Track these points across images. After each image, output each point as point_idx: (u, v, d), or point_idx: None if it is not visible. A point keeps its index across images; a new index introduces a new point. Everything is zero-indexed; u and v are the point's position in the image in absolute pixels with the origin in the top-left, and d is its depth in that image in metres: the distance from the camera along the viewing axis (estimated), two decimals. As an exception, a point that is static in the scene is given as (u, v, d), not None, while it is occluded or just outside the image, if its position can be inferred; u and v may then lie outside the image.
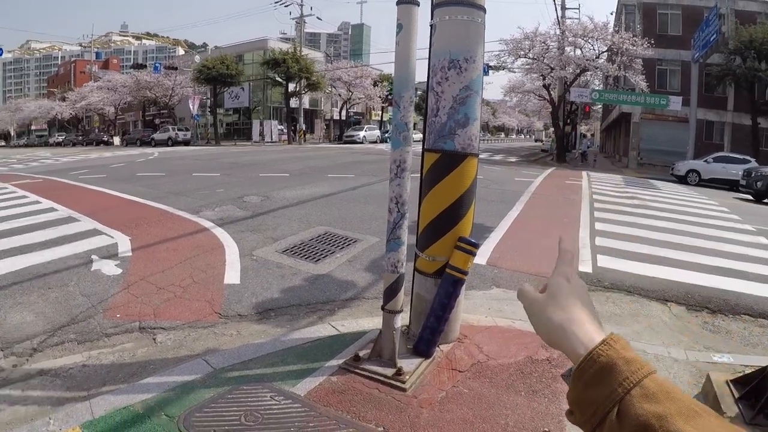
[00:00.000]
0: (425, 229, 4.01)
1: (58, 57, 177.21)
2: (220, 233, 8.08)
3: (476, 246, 3.87)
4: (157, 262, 6.71)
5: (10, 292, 5.89)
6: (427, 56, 4.05)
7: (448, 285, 3.83)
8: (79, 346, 4.62)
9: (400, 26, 3.61)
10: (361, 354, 3.84)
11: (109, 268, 6.54)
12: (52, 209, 10.66)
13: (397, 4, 3.60)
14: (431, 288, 4.01)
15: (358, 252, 7.14)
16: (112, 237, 7.97)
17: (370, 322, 4.67)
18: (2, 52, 30.31)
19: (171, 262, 6.72)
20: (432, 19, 3.95)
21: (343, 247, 7.31)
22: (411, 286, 4.28)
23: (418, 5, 3.65)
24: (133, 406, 3.34)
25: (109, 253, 7.17)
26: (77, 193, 13.58)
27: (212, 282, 5.98)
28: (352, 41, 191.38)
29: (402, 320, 3.92)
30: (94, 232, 8.34)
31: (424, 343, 3.88)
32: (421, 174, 4.07)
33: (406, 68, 3.67)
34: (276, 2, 48.96)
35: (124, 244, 7.61)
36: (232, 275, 6.18)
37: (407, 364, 3.69)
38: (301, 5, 48.97)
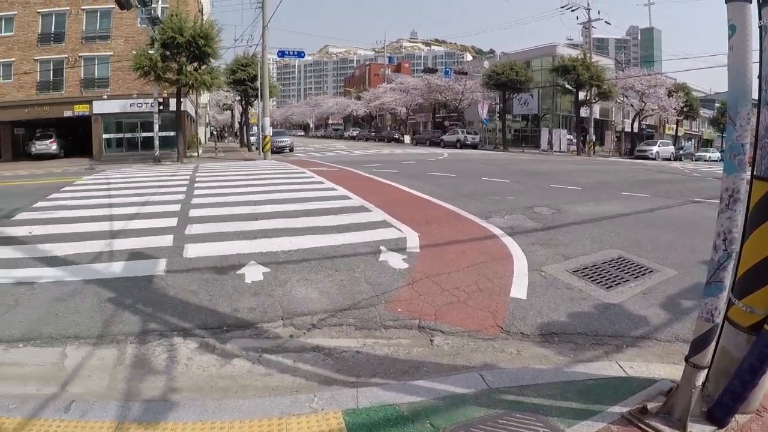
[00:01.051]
0: (747, 272, 3.51)
1: (353, 60, 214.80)
2: (510, 242, 8.08)
3: None
4: (443, 263, 6.99)
5: (300, 267, 6.78)
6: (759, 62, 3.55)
7: (765, 345, 3.32)
8: (356, 331, 5.00)
9: (732, 28, 3.25)
10: (649, 406, 3.51)
11: (396, 261, 7.03)
12: (346, 197, 12.20)
13: (727, 2, 3.26)
14: (742, 344, 3.51)
15: (654, 284, 6.50)
16: (401, 231, 8.62)
17: (661, 368, 4.22)
18: (304, 55, 37.06)
19: (458, 265, 6.92)
20: (760, 19, 3.45)
21: (637, 277, 6.73)
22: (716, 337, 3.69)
23: (750, 2, 3.25)
24: (399, 405, 3.41)
25: (398, 246, 7.74)
26: (370, 184, 15.25)
27: (498, 293, 5.96)
28: (641, 46, 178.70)
29: (697, 374, 3.54)
30: (384, 224, 9.16)
31: (721, 408, 3.43)
32: (748, 205, 3.57)
33: (742, 78, 3.28)
34: (562, 7, 48.87)
35: (413, 239, 8.14)
36: (519, 289, 6.09)
37: (698, 430, 3.33)
38: (588, 9, 48.13)
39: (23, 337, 4.79)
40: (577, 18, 49.55)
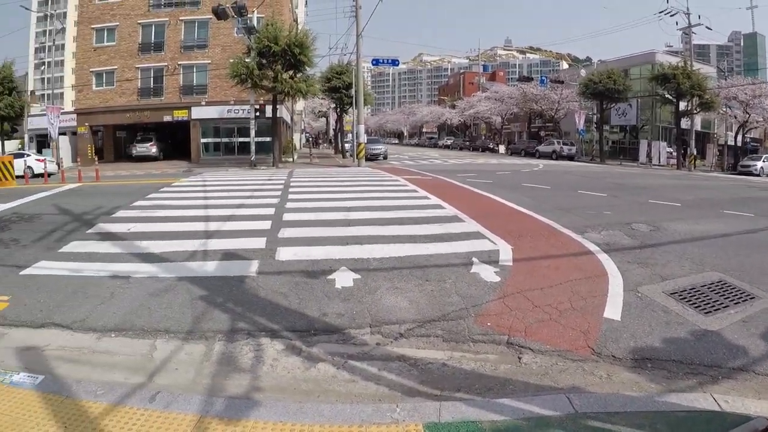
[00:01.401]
0: None
1: (447, 68, 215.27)
2: (605, 260, 7.81)
3: None
4: (536, 278, 6.87)
5: (391, 275, 6.84)
6: None
7: None
8: (443, 343, 4.99)
9: None
10: (739, 446, 3.21)
11: (487, 273, 6.96)
12: (439, 206, 12.24)
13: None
14: None
15: (755, 312, 6.07)
16: (495, 243, 8.53)
17: (758, 404, 3.96)
18: (398, 63, 37.81)
19: (551, 280, 6.77)
20: None
21: (737, 303, 6.32)
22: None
23: None
24: (482, 423, 3.37)
25: (490, 258, 7.66)
26: (463, 194, 15.23)
27: (591, 312, 5.77)
28: (744, 53, 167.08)
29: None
30: (477, 235, 9.10)
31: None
32: None
33: None
34: (660, 12, 46.14)
35: (506, 252, 8.03)
36: (613, 310, 5.88)
37: (794, 476, 2.97)
38: (688, 14, 45.14)
39: (116, 328, 5.14)
40: (677, 23, 46.89)
